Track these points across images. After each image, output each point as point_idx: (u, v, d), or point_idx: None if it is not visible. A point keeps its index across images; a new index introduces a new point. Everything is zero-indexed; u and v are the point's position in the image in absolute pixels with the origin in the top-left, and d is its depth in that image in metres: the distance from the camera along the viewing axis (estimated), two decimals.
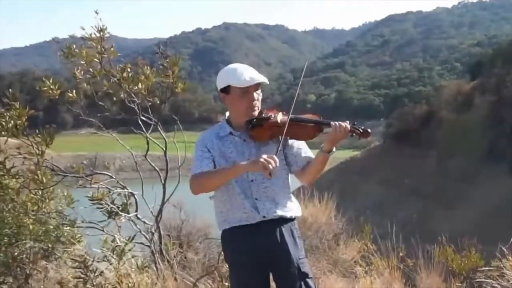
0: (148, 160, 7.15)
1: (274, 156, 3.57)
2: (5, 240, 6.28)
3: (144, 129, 7.07)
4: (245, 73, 3.93)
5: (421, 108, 69.59)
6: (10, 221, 6.27)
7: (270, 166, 3.51)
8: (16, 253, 6.31)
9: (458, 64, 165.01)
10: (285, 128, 3.86)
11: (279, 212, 4.00)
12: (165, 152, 7.10)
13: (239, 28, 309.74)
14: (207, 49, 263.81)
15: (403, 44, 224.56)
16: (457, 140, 55.22)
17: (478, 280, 7.24)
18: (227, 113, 4.13)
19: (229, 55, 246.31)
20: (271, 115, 3.99)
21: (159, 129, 7.13)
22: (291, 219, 4.10)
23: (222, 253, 4.51)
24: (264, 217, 3.95)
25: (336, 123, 3.85)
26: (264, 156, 3.56)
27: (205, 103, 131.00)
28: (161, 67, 7.00)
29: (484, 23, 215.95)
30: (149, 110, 7.08)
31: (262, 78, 3.96)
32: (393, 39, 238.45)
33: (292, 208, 4.13)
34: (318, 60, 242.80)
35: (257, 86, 3.98)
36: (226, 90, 3.98)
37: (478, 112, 56.59)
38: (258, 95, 4.00)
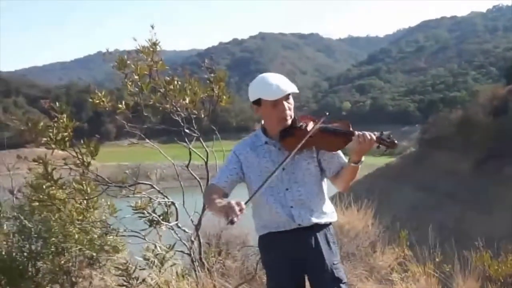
0: (190, 170, 7.28)
1: (242, 204, 3.50)
2: (52, 249, 6.45)
3: (187, 141, 7.20)
4: (274, 85, 3.92)
5: (457, 113, 68.86)
6: (57, 230, 6.43)
7: (232, 215, 3.43)
8: (62, 262, 6.47)
9: (493, 69, 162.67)
10: (314, 138, 3.92)
11: (314, 220, 4.05)
12: (206, 162, 7.22)
13: (274, 38, 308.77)
14: (244, 59, 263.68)
15: (438, 49, 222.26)
16: (493, 144, 54.48)
17: None
18: (263, 121, 4.18)
19: (265, 64, 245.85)
20: (302, 124, 4.02)
21: (200, 141, 7.26)
22: (326, 225, 4.15)
23: (260, 257, 4.60)
24: (299, 224, 4.02)
25: (359, 133, 3.88)
26: (233, 202, 3.49)
27: (243, 112, 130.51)
28: (208, 81, 7.12)
29: None
30: (193, 121, 7.22)
31: (291, 89, 3.96)
32: (428, 45, 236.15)
33: (327, 214, 4.18)
34: (353, 68, 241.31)
35: (288, 95, 3.98)
36: (258, 102, 4.02)
37: None
38: (289, 104, 4.00)
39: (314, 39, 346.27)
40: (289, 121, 4.02)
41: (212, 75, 7.10)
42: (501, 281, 7.74)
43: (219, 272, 7.33)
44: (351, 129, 3.97)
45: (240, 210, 3.46)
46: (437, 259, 8.19)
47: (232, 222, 3.43)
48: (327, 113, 4.11)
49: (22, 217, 6.63)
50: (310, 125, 4.01)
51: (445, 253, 8.49)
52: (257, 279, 7.07)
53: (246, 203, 3.56)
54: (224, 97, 7.13)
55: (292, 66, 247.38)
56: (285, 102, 3.98)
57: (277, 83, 3.94)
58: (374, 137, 3.89)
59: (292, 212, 4.02)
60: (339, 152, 4.17)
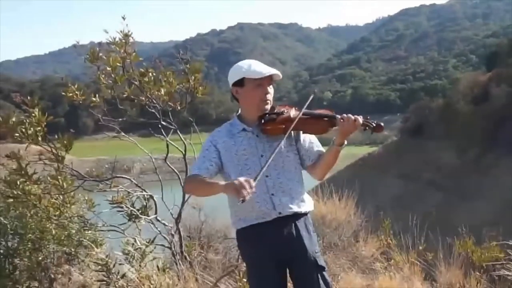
0: (168, 163, 7.22)
1: (251, 181, 3.49)
2: (29, 245, 6.36)
3: (164, 134, 7.14)
4: (259, 66, 4.00)
5: (438, 102, 69.28)
6: (33, 226, 6.34)
7: (244, 192, 3.43)
8: (40, 258, 6.39)
9: (473, 56, 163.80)
10: (295, 122, 3.89)
11: (294, 208, 4.02)
12: (184, 155, 7.16)
13: (253, 28, 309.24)
14: (222, 50, 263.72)
15: (418, 38, 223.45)
16: (475, 132, 54.85)
17: (498, 272, 7.24)
18: (239, 110, 4.17)
19: (244, 55, 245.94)
20: (283, 110, 4.03)
21: (178, 133, 7.19)
22: (305, 214, 4.13)
23: (239, 251, 4.54)
24: (280, 213, 3.98)
25: (344, 115, 3.88)
26: (242, 179, 3.48)
27: (223, 104, 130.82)
28: (183, 73, 7.05)
29: (499, 14, 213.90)
30: (170, 114, 7.15)
31: (275, 71, 3.99)
32: (407, 33, 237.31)
33: (306, 202, 4.15)
34: (333, 57, 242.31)
35: (270, 81, 4.02)
36: (240, 83, 4.01)
37: (495, 103, 56.16)
38: (271, 89, 4.04)
39: (293, 29, 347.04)
40: (269, 106, 4.04)
41: (187, 66, 7.02)
42: (484, 267, 7.74)
43: (201, 265, 7.30)
44: (332, 114, 3.99)
45: (251, 187, 3.46)
46: (420, 248, 8.19)
47: (244, 201, 3.43)
48: (315, 90, 4.16)
49: None
50: (292, 111, 4.03)
51: (429, 241, 8.51)
52: (239, 272, 7.02)
53: (255, 180, 3.53)
54: (200, 88, 7.06)
55: (272, 56, 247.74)
56: (267, 86, 4.02)
57: (261, 65, 4.03)
58: (360, 119, 3.88)
59: (273, 200, 3.98)
60: (317, 140, 4.19)
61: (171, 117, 7.17)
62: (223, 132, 4.12)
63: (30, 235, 6.35)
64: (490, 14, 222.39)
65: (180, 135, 7.21)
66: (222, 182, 3.77)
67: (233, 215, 4.14)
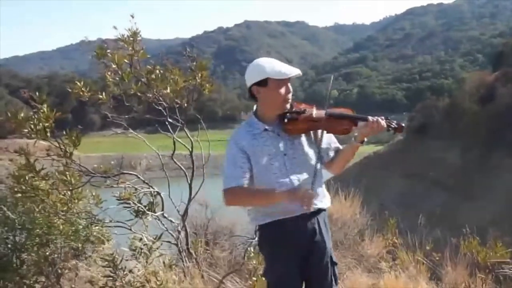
0: (175, 160, 7.23)
1: (312, 192, 3.75)
2: (37, 240, 6.37)
3: (171, 130, 7.15)
4: (282, 66, 4.03)
5: (444, 101, 69.14)
6: (41, 221, 6.35)
7: (310, 203, 3.71)
8: (47, 253, 6.40)
9: (480, 56, 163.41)
10: (320, 122, 3.98)
11: (318, 204, 4.08)
12: (191, 153, 7.17)
13: (260, 26, 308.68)
14: (229, 48, 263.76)
15: (424, 37, 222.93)
16: (480, 131, 54.75)
17: (503, 272, 7.24)
18: (254, 108, 4.18)
19: (251, 53, 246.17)
20: (305, 109, 4.07)
21: (185, 130, 7.21)
22: (324, 210, 4.20)
23: (258, 246, 4.55)
24: (305, 209, 3.99)
25: (374, 118, 3.97)
26: (303, 190, 3.73)
27: (229, 102, 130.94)
28: (189, 70, 7.07)
29: (505, 13, 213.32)
30: (176, 111, 7.16)
31: (298, 71, 4.05)
32: (414, 32, 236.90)
33: (326, 198, 4.23)
34: (340, 56, 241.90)
35: (289, 80, 4.06)
36: (263, 82, 4.00)
37: (501, 103, 56.03)
38: (291, 88, 4.07)
39: (300, 27, 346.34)
40: (289, 106, 4.08)
41: (194, 63, 7.03)
42: (489, 268, 7.74)
43: (207, 262, 7.31)
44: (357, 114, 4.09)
45: (312, 197, 3.76)
46: (427, 247, 8.19)
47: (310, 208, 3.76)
48: (332, 75, 4.29)
49: (5, 209, 6.54)
50: (314, 110, 4.09)
51: (434, 240, 8.50)
52: (244, 269, 7.04)
53: (312, 189, 3.78)
54: (207, 85, 7.07)
55: (278, 54, 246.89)
56: (289, 85, 4.07)
57: (283, 65, 4.06)
58: (383, 123, 3.98)
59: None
60: (333, 137, 4.25)
61: (178, 114, 7.18)
62: (244, 134, 4.11)
63: (37, 230, 6.35)
64: (497, 13, 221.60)
65: (187, 132, 7.22)
66: (282, 192, 3.87)
67: (255, 211, 4.15)
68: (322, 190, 4.19)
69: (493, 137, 53.05)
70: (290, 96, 4.05)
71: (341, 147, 4.23)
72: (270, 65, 4.02)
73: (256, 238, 7.05)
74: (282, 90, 4.00)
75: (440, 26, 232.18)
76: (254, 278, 6.16)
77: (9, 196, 6.58)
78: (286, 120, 4.02)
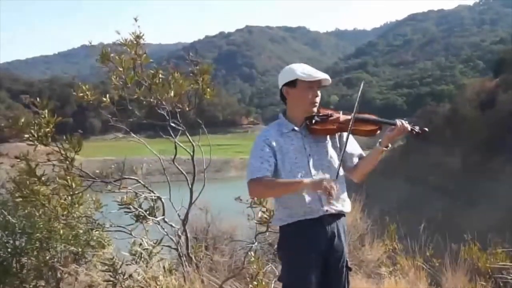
0: (176, 164, 7.23)
1: (333, 184, 3.74)
2: (37, 245, 6.39)
3: (172, 135, 7.16)
4: (311, 69, 4.18)
5: (444, 107, 69.22)
6: (41, 226, 6.37)
7: (333, 191, 3.72)
8: (47, 257, 6.42)
9: (480, 62, 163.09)
10: (347, 125, 4.07)
11: (339, 207, 4.14)
12: (192, 157, 7.18)
13: (261, 31, 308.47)
14: (230, 53, 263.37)
15: (425, 43, 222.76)
16: (481, 137, 54.80)
17: (504, 279, 7.23)
18: (285, 110, 4.28)
19: (252, 58, 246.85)
20: (330, 113, 4.18)
21: (187, 135, 7.21)
22: (344, 214, 4.26)
23: (277, 248, 4.55)
24: (326, 211, 4.07)
25: (400, 122, 4.11)
26: (326, 181, 3.77)
27: (230, 106, 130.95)
28: (191, 74, 7.08)
29: (507, 20, 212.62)
30: (178, 115, 7.16)
31: (326, 76, 4.18)
32: (415, 38, 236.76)
33: (347, 202, 4.28)
34: (340, 61, 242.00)
35: (319, 85, 4.19)
36: (293, 83, 4.14)
37: (502, 109, 56.08)
38: (319, 92, 4.20)
39: (301, 32, 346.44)
40: (316, 109, 4.18)
41: (197, 67, 7.05)
42: (490, 274, 7.73)
43: (207, 267, 7.31)
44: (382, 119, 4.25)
45: (336, 187, 3.77)
46: (427, 253, 8.19)
47: (332, 198, 3.77)
48: (363, 81, 4.39)
49: (5, 213, 6.55)
50: (340, 115, 4.21)
51: (434, 246, 8.49)
52: (244, 274, 7.04)
53: (335, 181, 3.81)
54: (208, 89, 7.08)
55: (279, 59, 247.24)
56: (317, 89, 4.19)
57: (313, 69, 4.21)
58: (409, 126, 4.12)
59: (321, 198, 4.05)
60: (357, 143, 4.36)
61: (179, 118, 7.18)
62: (273, 131, 4.21)
63: (38, 234, 6.37)
64: (498, 20, 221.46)
65: (189, 136, 7.23)
66: (307, 180, 3.91)
67: (281, 211, 4.21)
68: (344, 193, 4.24)
69: (494, 143, 53.15)
70: (317, 100, 4.17)
71: (364, 154, 4.31)
72: (300, 67, 4.18)
73: (256, 243, 7.08)
74: (310, 92, 4.12)
75: (440, 32, 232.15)
76: (255, 283, 6.17)
77: (10, 201, 6.59)
78: (313, 121, 4.12)
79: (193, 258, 7.12)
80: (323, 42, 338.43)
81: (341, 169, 4.17)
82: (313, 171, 4.08)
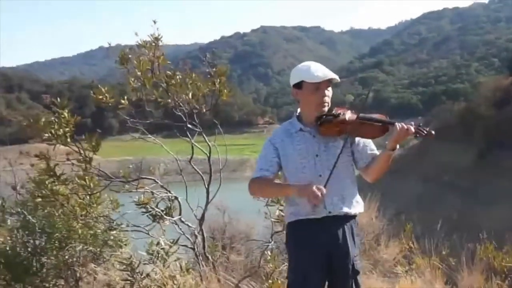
0: (192, 165, 7.27)
1: (323, 188, 3.76)
2: (56, 244, 6.45)
3: (189, 136, 7.20)
4: (317, 69, 4.09)
5: (460, 105, 68.89)
6: (60, 225, 6.43)
7: (317, 199, 3.73)
8: (66, 257, 6.47)
9: (496, 60, 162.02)
10: (351, 126, 4.04)
11: (345, 209, 4.11)
12: (208, 158, 7.22)
13: (276, 31, 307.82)
14: (246, 53, 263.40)
15: (440, 41, 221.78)
16: (496, 135, 54.46)
17: None
18: (298, 110, 4.27)
19: (267, 57, 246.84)
20: (340, 113, 4.11)
21: (203, 135, 7.25)
22: (354, 216, 4.21)
23: (285, 244, 4.59)
24: (329, 212, 4.05)
25: (399, 124, 4.00)
26: (314, 187, 3.76)
27: (245, 106, 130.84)
28: (208, 76, 7.12)
29: None
30: (195, 116, 7.21)
31: (333, 75, 4.10)
32: (430, 36, 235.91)
33: (357, 204, 4.24)
34: (355, 60, 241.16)
35: (328, 83, 4.12)
36: (299, 85, 4.13)
37: None
38: (328, 92, 4.14)
39: (316, 31, 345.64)
40: (326, 109, 4.14)
41: (214, 69, 7.09)
42: (506, 273, 7.72)
43: (223, 266, 7.36)
44: (388, 120, 4.12)
45: (322, 195, 3.78)
46: (443, 252, 8.18)
47: (316, 206, 3.79)
48: (372, 87, 4.36)
49: (25, 213, 6.62)
50: (348, 113, 4.12)
51: (450, 245, 8.49)
52: (260, 273, 7.07)
53: (325, 186, 3.80)
54: (225, 91, 7.12)
55: (294, 59, 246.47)
56: (325, 90, 4.12)
57: (320, 69, 4.12)
58: (412, 128, 4.00)
59: (324, 199, 3.98)
60: (371, 143, 4.29)
61: (196, 119, 7.22)
62: (281, 131, 4.25)
63: (57, 234, 6.43)
64: None
65: (205, 137, 7.27)
66: (294, 186, 3.94)
67: (288, 208, 4.24)
68: (353, 195, 4.22)
69: (509, 141, 52.74)
70: (326, 99, 4.13)
71: (378, 153, 4.23)
72: (305, 68, 4.13)
73: (272, 242, 7.12)
74: (316, 94, 4.08)
75: (455, 31, 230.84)
76: (270, 281, 6.21)
77: (30, 201, 6.66)
78: (319, 123, 4.09)
79: (209, 257, 7.16)
80: (338, 41, 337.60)
81: (355, 169, 4.22)
82: (320, 172, 4.05)
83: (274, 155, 4.14)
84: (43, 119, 6.10)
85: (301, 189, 3.85)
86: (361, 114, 4.09)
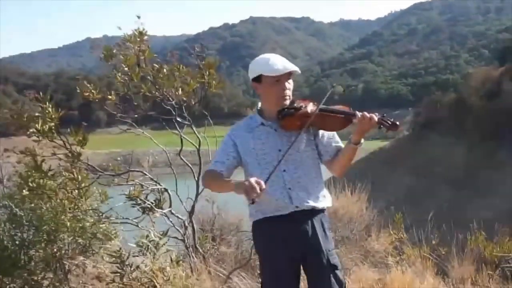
0: (181, 157, 7.25)
1: (262, 182, 3.53)
2: (44, 237, 6.39)
3: (178, 128, 7.17)
4: (276, 62, 3.95)
5: (449, 96, 68.96)
6: (48, 218, 6.38)
7: (253, 194, 3.49)
8: (55, 250, 6.43)
9: (485, 51, 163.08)
10: (312, 118, 3.90)
11: (312, 203, 4.01)
12: (198, 150, 7.19)
13: (266, 22, 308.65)
14: (234, 44, 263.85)
15: (430, 32, 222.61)
16: (487, 127, 54.59)
17: (510, 267, 7.24)
18: (259, 104, 4.16)
19: (256, 49, 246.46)
20: (302, 105, 4.00)
21: (192, 128, 7.22)
22: (322, 210, 4.11)
23: (253, 243, 4.55)
24: (296, 207, 3.96)
25: (360, 113, 3.87)
26: (252, 180, 3.53)
27: (234, 98, 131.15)
28: (197, 68, 7.07)
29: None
30: (183, 108, 7.17)
31: (293, 67, 3.97)
32: (420, 27, 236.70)
33: (324, 198, 4.14)
34: (345, 51, 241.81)
35: (289, 75, 4.01)
36: (258, 79, 4.01)
37: (508, 98, 55.82)
38: (289, 84, 4.02)
39: (306, 23, 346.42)
40: (288, 101, 4.03)
41: (202, 62, 7.04)
42: (496, 263, 7.74)
43: (214, 258, 7.35)
44: (350, 111, 3.98)
45: (261, 189, 3.51)
46: (433, 242, 8.19)
47: (253, 202, 3.53)
48: (334, 85, 4.27)
49: (12, 206, 6.56)
50: (310, 106, 4.01)
51: (440, 236, 8.50)
52: (251, 264, 7.06)
53: (266, 181, 3.58)
54: (214, 82, 7.08)
55: (284, 50, 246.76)
56: (286, 82, 4.01)
57: (279, 61, 3.98)
58: (376, 118, 3.87)
59: (290, 194, 3.96)
60: (336, 136, 4.18)
61: (185, 111, 7.18)
62: (242, 126, 4.14)
63: (45, 227, 6.37)
64: (503, 8, 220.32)
65: (194, 129, 7.24)
66: (234, 181, 3.77)
67: (251, 207, 4.07)
68: (318, 189, 4.13)
69: (500, 133, 52.91)
70: (287, 92, 4.01)
71: (343, 146, 4.11)
72: (264, 62, 4.01)
73: None
74: (276, 88, 3.97)
75: (445, 21, 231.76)
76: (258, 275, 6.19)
77: (17, 193, 6.60)
78: (281, 116, 3.98)
79: (199, 249, 7.15)
80: (327, 32, 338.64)
81: (320, 163, 4.14)
82: (283, 166, 3.93)
83: (231, 150, 4.05)
84: (25, 115, 6.04)
85: (238, 185, 3.67)
86: (322, 106, 3.98)
